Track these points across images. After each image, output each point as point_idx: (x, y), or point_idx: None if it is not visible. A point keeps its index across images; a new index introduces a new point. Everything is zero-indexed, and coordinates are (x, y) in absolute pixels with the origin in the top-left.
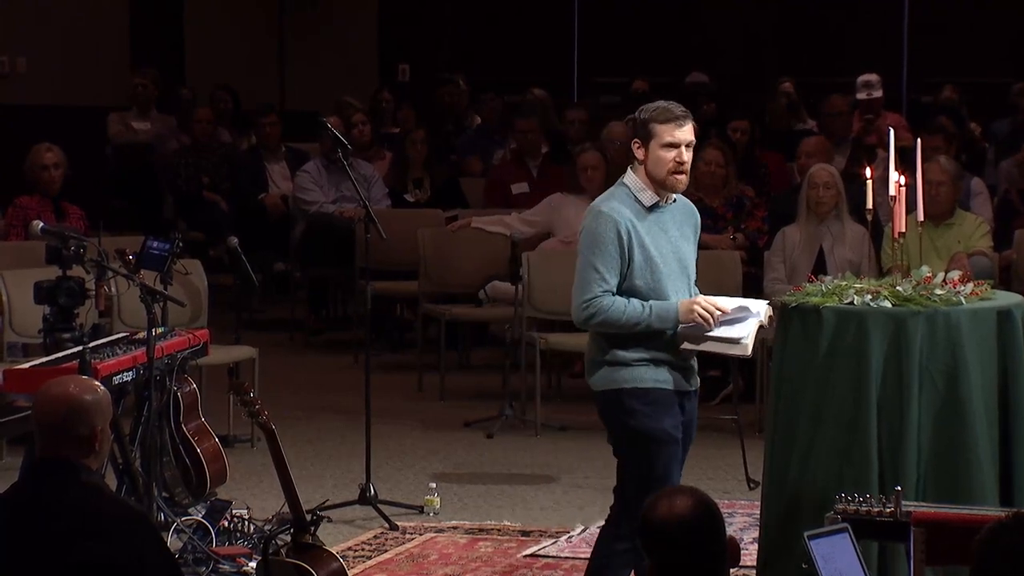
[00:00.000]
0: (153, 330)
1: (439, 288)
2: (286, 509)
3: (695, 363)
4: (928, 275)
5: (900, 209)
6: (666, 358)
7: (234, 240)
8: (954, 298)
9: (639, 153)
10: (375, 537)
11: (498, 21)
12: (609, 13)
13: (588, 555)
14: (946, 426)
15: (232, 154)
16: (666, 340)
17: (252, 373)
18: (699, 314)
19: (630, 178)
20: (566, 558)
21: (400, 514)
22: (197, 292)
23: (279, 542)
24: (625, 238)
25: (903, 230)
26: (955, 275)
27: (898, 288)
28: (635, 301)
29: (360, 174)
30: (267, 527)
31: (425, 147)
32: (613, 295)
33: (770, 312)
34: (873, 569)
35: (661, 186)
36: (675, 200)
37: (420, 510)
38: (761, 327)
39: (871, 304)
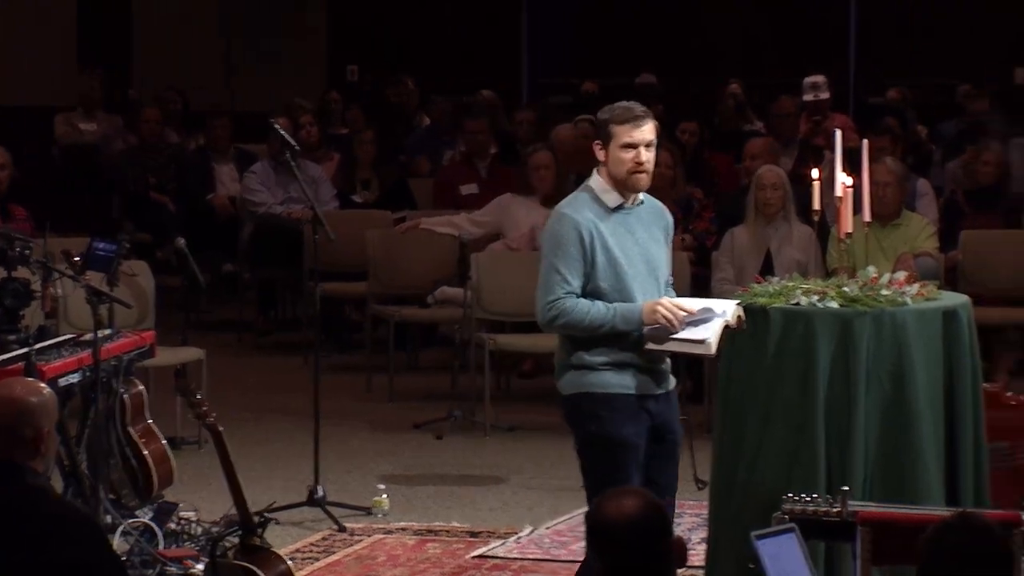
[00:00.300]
0: (99, 332)
1: (388, 289)
2: (234, 511)
3: (667, 365)
4: (874, 276)
5: (846, 210)
6: (632, 361)
7: (181, 241)
8: (900, 299)
9: (600, 155)
10: (323, 539)
11: (447, 22)
12: (558, 15)
13: (537, 556)
14: (892, 426)
15: (180, 155)
16: (631, 343)
17: (200, 375)
18: (663, 315)
19: (594, 180)
20: (515, 559)
21: (348, 515)
22: (144, 293)
23: (227, 544)
24: (587, 240)
25: (849, 231)
26: (901, 276)
27: (845, 289)
28: (599, 303)
29: (308, 175)
30: (214, 529)
31: (373, 148)
32: (577, 297)
33: (739, 312)
34: (820, 569)
35: (623, 187)
36: (642, 202)
37: (368, 511)
38: (728, 328)
39: (818, 305)
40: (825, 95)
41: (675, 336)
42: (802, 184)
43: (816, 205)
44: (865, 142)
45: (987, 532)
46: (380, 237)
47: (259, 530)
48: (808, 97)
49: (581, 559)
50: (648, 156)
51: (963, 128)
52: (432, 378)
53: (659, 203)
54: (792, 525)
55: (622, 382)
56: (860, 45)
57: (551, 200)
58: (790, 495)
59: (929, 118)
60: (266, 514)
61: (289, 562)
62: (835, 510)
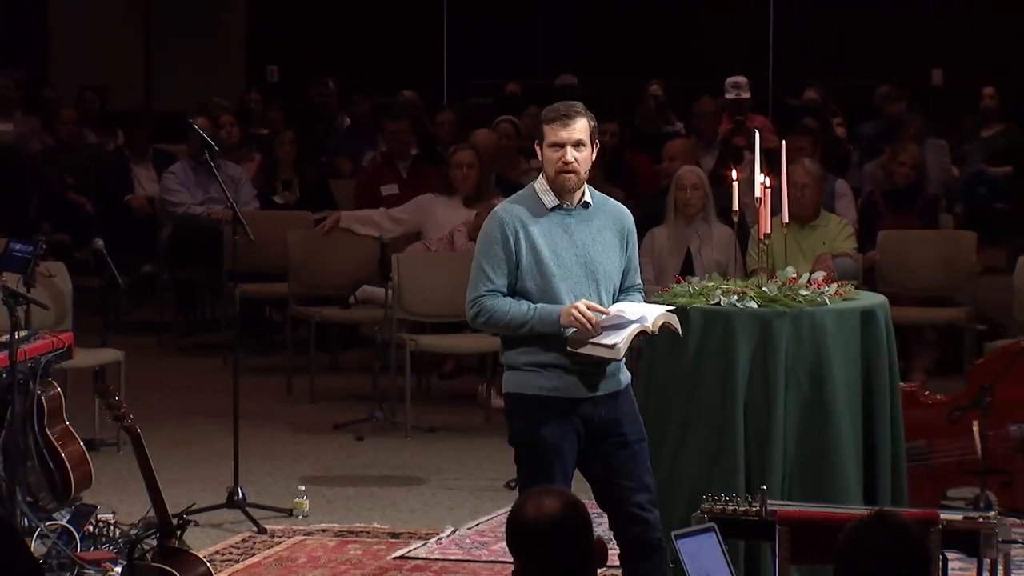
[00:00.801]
0: (16, 333)
1: (308, 290)
2: (152, 513)
3: (612, 366)
4: (793, 276)
5: (765, 211)
6: (557, 362)
7: (99, 242)
8: (819, 299)
9: (538, 154)
10: (243, 540)
11: (369, 22)
12: (480, 16)
13: (458, 556)
14: (811, 426)
15: (98, 155)
16: (557, 344)
17: (119, 376)
18: (575, 318)
19: (539, 180)
20: (436, 559)
21: (269, 517)
22: (61, 295)
23: (145, 546)
24: (512, 238)
25: (768, 231)
26: (819, 276)
27: (764, 289)
28: (522, 303)
29: (228, 175)
30: (133, 531)
31: (294, 149)
32: (502, 295)
33: (668, 320)
34: (739, 568)
35: (555, 187)
36: (588, 204)
37: (289, 513)
38: (647, 334)
39: (737, 305)
40: (746, 95)
41: (592, 340)
42: (722, 185)
43: (735, 206)
44: (783, 143)
45: (904, 531)
46: (301, 238)
47: (178, 532)
48: (730, 96)
49: (502, 559)
50: (576, 155)
51: (881, 129)
52: (353, 379)
53: (619, 207)
54: (712, 524)
55: (544, 383)
56: (779, 47)
57: (472, 200)
58: (710, 494)
59: (847, 119)
60: (185, 516)
61: (208, 564)
62: (754, 509)
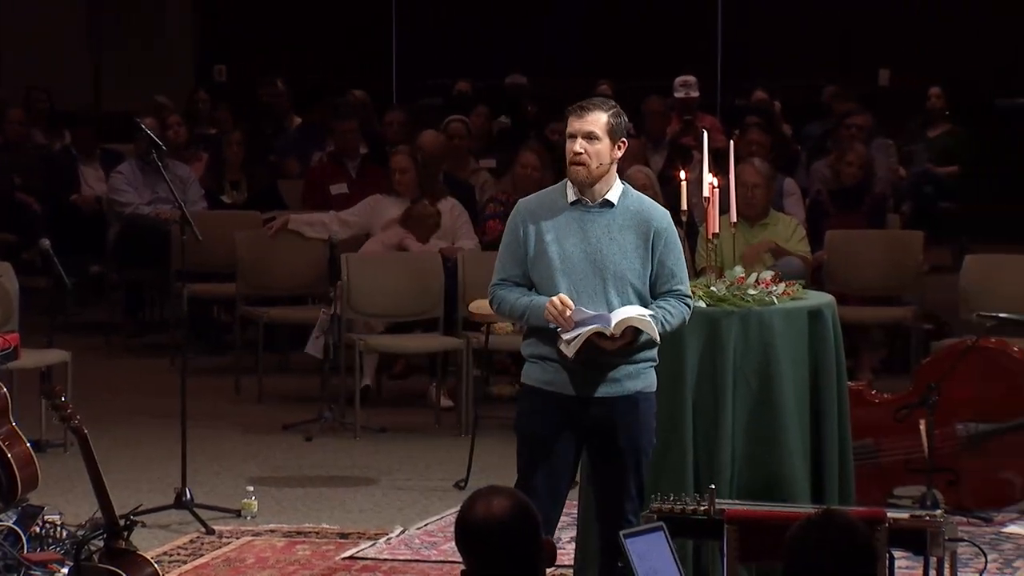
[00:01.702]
0: None
1: (257, 290)
2: (99, 514)
3: (616, 372)
4: (741, 275)
5: (713, 210)
6: (556, 357)
7: (46, 242)
8: (767, 298)
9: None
10: (191, 541)
11: (318, 22)
12: (429, 15)
13: (407, 557)
14: (759, 425)
15: (46, 155)
16: (554, 338)
17: (66, 377)
18: (548, 311)
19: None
20: (385, 560)
21: (217, 518)
22: (7, 295)
23: (92, 548)
24: (521, 230)
25: (716, 231)
26: (768, 275)
27: (712, 288)
28: (525, 295)
29: (176, 175)
30: (80, 532)
31: (242, 149)
32: (515, 285)
33: (632, 324)
34: (688, 567)
35: (569, 178)
36: (611, 203)
37: (237, 514)
38: (612, 337)
39: None
40: (695, 94)
41: (562, 335)
42: (671, 184)
43: (684, 205)
44: (732, 143)
45: (851, 529)
46: (249, 238)
47: (125, 533)
48: (679, 95)
49: (452, 559)
50: (587, 147)
51: (828, 128)
52: (302, 379)
53: (651, 209)
54: (660, 524)
55: (541, 377)
56: (727, 47)
57: (420, 201)
58: (659, 494)
59: (795, 119)
60: (132, 517)
61: (156, 565)
62: (703, 508)
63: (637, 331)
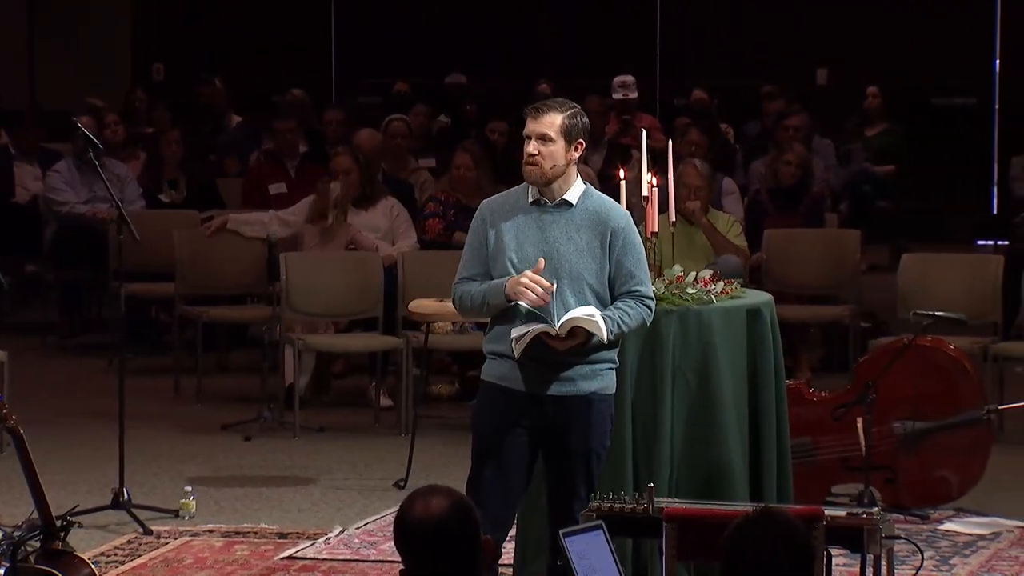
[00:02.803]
0: None
1: (196, 290)
2: (35, 515)
3: (571, 371)
4: (680, 274)
5: (652, 210)
6: (509, 353)
7: None
8: (705, 297)
9: None
10: (128, 542)
11: (256, 21)
12: (368, 14)
13: (346, 556)
14: (698, 423)
15: None
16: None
17: (1, 377)
18: (525, 286)
19: None
20: (324, 559)
21: (155, 518)
22: None
23: (28, 548)
24: (481, 227)
25: (655, 230)
26: (706, 274)
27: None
28: (476, 294)
29: (113, 174)
30: (16, 533)
31: (180, 147)
32: (476, 282)
33: (577, 324)
34: (627, 565)
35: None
36: (569, 203)
37: (175, 514)
38: (556, 336)
39: None
40: (634, 94)
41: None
42: (610, 184)
43: (623, 205)
44: (670, 142)
45: (788, 527)
46: (187, 237)
47: (62, 534)
48: (618, 96)
49: (391, 559)
50: (540, 148)
51: (766, 127)
52: (241, 379)
53: (609, 210)
54: (599, 522)
55: (495, 371)
56: (665, 46)
57: (360, 201)
58: (598, 492)
59: (734, 118)
60: (69, 518)
61: (93, 566)
62: (642, 507)
63: (590, 334)
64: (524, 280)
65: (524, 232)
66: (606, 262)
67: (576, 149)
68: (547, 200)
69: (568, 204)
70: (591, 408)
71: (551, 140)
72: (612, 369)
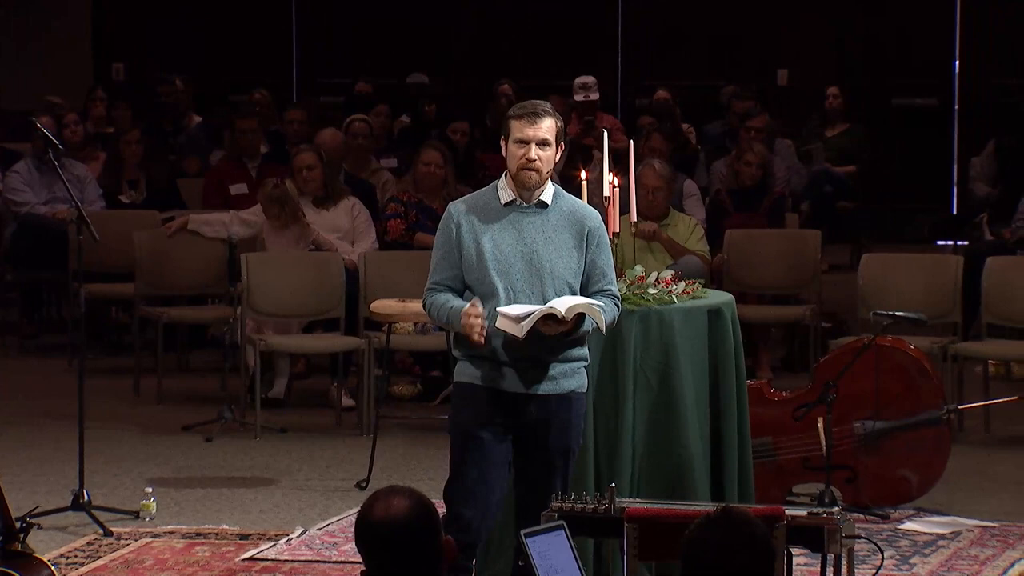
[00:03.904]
0: None
1: (156, 290)
2: None
3: (554, 369)
4: (641, 275)
5: (614, 210)
6: (493, 354)
7: None
8: (667, 297)
9: (503, 150)
10: (88, 543)
11: (217, 20)
12: (328, 14)
13: (308, 558)
14: (660, 423)
15: None
16: (495, 335)
17: None
18: (466, 324)
19: (502, 176)
20: (286, 560)
21: (115, 520)
22: None
23: None
24: (455, 232)
25: (617, 231)
26: (667, 274)
27: None
28: (450, 301)
29: (73, 174)
30: None
31: (140, 147)
32: (451, 290)
33: (581, 310)
34: (588, 565)
35: (516, 183)
36: (545, 204)
37: (136, 515)
38: (555, 318)
39: None
40: (595, 95)
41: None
42: (571, 185)
43: None
44: (632, 143)
45: (749, 527)
46: (147, 237)
47: (21, 535)
48: (579, 97)
49: (352, 560)
50: (540, 154)
51: (727, 128)
52: (202, 380)
53: (584, 209)
54: (561, 522)
55: (475, 372)
56: (627, 47)
57: (322, 201)
58: (559, 492)
59: (695, 118)
60: (29, 519)
61: (53, 568)
62: (603, 507)
63: (578, 322)
64: (471, 312)
65: (501, 234)
66: (582, 261)
67: (560, 152)
68: (523, 201)
69: (544, 204)
70: (571, 406)
71: (548, 145)
72: (586, 366)
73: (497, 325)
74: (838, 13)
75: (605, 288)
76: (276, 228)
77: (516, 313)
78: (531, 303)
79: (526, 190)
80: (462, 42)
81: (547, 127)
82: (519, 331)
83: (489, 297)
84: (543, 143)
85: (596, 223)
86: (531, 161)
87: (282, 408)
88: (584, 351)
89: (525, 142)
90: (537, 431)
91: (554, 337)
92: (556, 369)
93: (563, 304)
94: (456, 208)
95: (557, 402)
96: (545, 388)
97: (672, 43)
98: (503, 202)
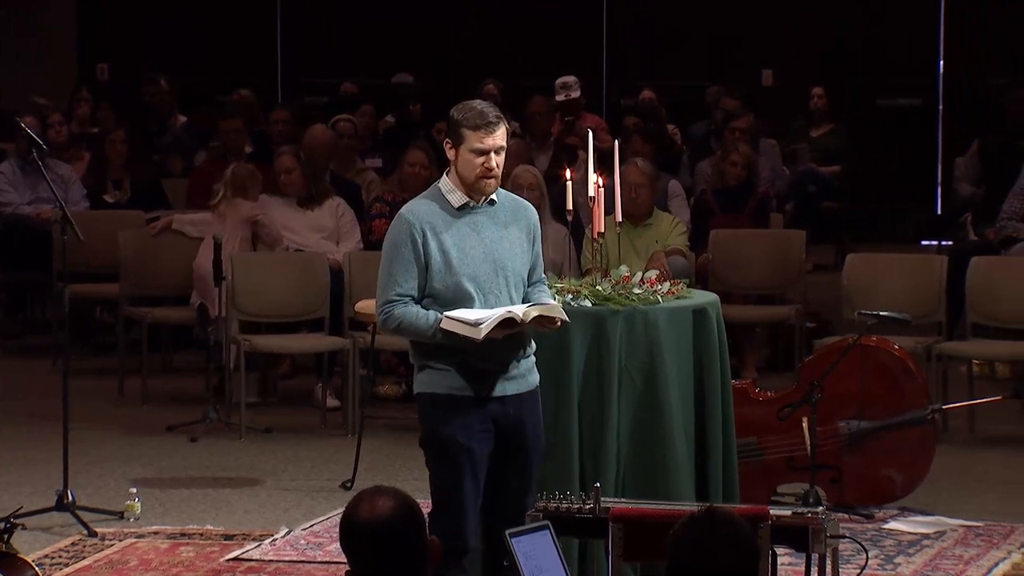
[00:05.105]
0: None
1: (140, 290)
2: None
3: (520, 367)
4: (626, 275)
5: (599, 210)
6: (468, 362)
7: None
8: (652, 297)
9: (450, 154)
10: (73, 544)
11: (201, 20)
12: (314, 15)
13: (293, 558)
14: (644, 423)
15: None
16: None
17: None
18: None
19: (443, 180)
20: (270, 561)
21: (100, 520)
22: None
23: None
24: (420, 240)
25: (602, 231)
26: (652, 274)
27: (598, 288)
28: (429, 314)
29: (57, 175)
30: None
31: (124, 148)
32: (414, 301)
33: (541, 311)
34: (573, 566)
35: (470, 189)
36: (494, 201)
37: (120, 516)
38: (514, 321)
39: (572, 304)
40: (576, 94)
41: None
42: (557, 184)
43: (570, 205)
44: (616, 143)
45: (734, 526)
46: (132, 238)
47: (5, 536)
48: (560, 97)
49: (337, 560)
50: (498, 161)
51: (712, 128)
52: (186, 380)
53: (521, 202)
54: (546, 522)
55: (454, 382)
56: (612, 47)
57: (306, 201)
58: (544, 492)
59: (680, 118)
60: (13, 519)
61: (37, 568)
62: (588, 507)
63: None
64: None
65: (464, 238)
66: (530, 255)
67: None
68: (474, 202)
69: (492, 202)
70: (537, 400)
71: (503, 150)
72: (535, 361)
73: (447, 328)
74: (823, 13)
75: (540, 277)
76: (219, 215)
77: (473, 318)
78: (499, 303)
79: (482, 195)
80: (448, 42)
81: (502, 134)
82: (477, 333)
83: (461, 302)
84: (499, 150)
85: (535, 215)
86: (491, 170)
87: (261, 407)
88: (533, 345)
89: (485, 152)
90: (516, 431)
91: (504, 338)
92: (522, 367)
93: (519, 308)
94: (414, 216)
95: (528, 398)
96: (520, 387)
97: (657, 43)
98: (456, 206)
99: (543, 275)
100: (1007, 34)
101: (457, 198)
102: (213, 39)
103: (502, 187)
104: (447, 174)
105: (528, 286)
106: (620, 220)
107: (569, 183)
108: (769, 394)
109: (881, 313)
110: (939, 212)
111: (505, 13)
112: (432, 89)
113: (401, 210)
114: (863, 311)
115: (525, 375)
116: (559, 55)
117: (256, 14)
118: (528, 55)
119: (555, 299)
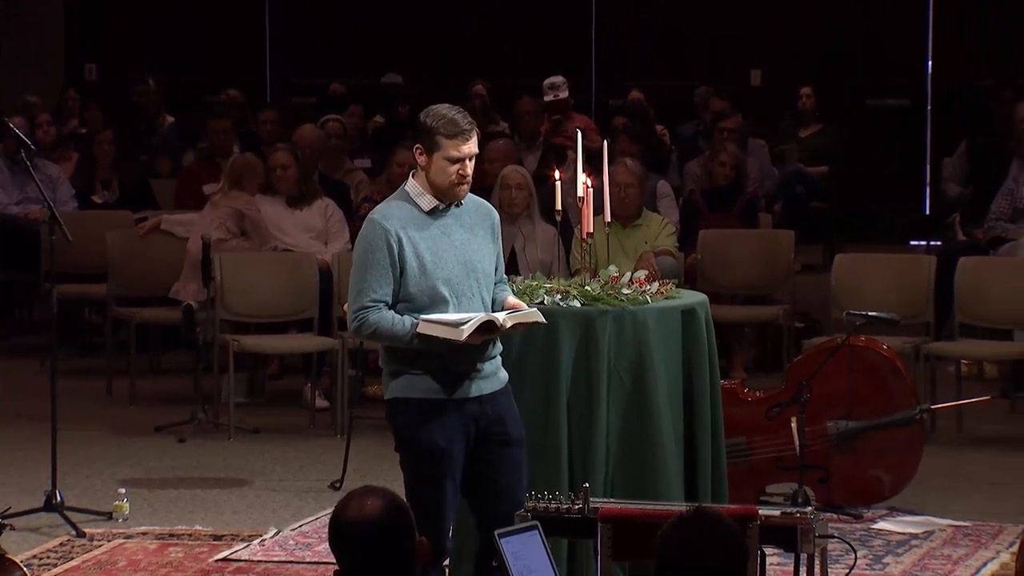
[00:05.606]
0: None
1: (128, 291)
2: None
3: (491, 365)
4: (615, 275)
5: (588, 210)
6: (443, 365)
7: None
8: (640, 297)
9: (421, 160)
10: (61, 544)
11: (189, 20)
12: (302, 15)
13: (281, 558)
14: (633, 423)
15: None
16: (443, 347)
17: None
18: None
19: (411, 183)
20: (259, 561)
21: (88, 521)
22: None
23: None
24: (395, 246)
25: (591, 231)
26: (641, 274)
27: (587, 288)
28: (405, 319)
29: (45, 175)
30: None
31: (112, 148)
32: (387, 307)
33: (519, 320)
34: (562, 566)
35: (442, 194)
36: (460, 203)
37: (109, 516)
38: (493, 324)
39: (561, 304)
40: (564, 94)
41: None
42: (545, 184)
43: (559, 205)
44: (605, 143)
45: (722, 526)
46: (120, 238)
47: None
48: (548, 97)
49: (326, 560)
50: (471, 168)
51: (700, 129)
52: (174, 380)
53: (484, 203)
54: (535, 523)
55: (430, 386)
56: (600, 47)
57: (296, 200)
58: (533, 493)
59: (668, 119)
60: (1, 520)
61: (25, 569)
62: (577, 507)
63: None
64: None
65: (437, 242)
66: (495, 254)
67: None
68: (442, 204)
69: (459, 204)
70: (510, 396)
71: (475, 156)
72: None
73: (424, 332)
74: (812, 14)
75: (503, 277)
76: (213, 204)
77: (453, 319)
78: (472, 305)
79: (454, 199)
80: (436, 42)
81: (475, 140)
82: (459, 335)
83: (435, 305)
84: (473, 157)
85: (497, 215)
86: (465, 177)
87: (249, 407)
88: (500, 345)
89: (459, 160)
90: (498, 428)
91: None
92: (491, 365)
93: (499, 315)
94: (387, 222)
95: (502, 395)
96: (493, 385)
97: (646, 44)
98: (426, 209)
99: (503, 275)
100: (996, 35)
101: (427, 202)
102: (202, 39)
103: (490, 186)
104: (414, 176)
105: (494, 285)
106: (609, 220)
107: (558, 183)
108: (758, 394)
109: (869, 313)
110: (927, 212)
111: (494, 12)
112: (420, 89)
113: (372, 214)
114: (851, 311)
115: (496, 372)
116: (548, 55)
117: (244, 14)
118: (517, 55)
119: (544, 299)
